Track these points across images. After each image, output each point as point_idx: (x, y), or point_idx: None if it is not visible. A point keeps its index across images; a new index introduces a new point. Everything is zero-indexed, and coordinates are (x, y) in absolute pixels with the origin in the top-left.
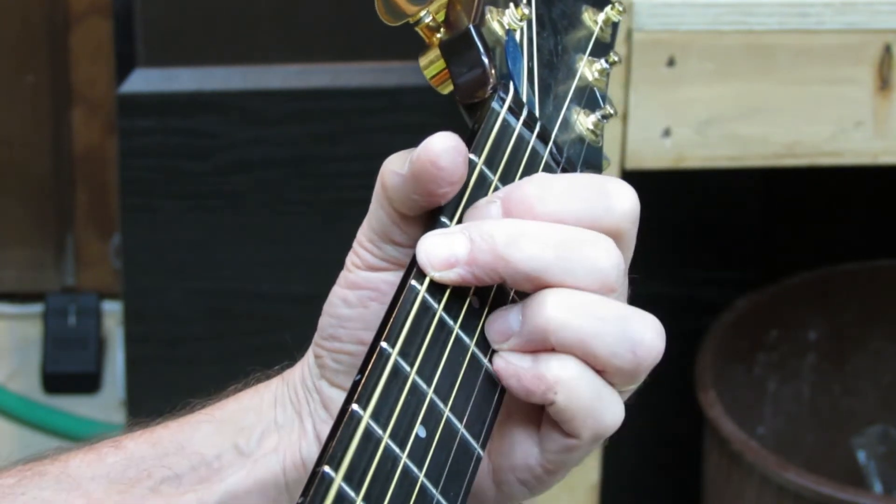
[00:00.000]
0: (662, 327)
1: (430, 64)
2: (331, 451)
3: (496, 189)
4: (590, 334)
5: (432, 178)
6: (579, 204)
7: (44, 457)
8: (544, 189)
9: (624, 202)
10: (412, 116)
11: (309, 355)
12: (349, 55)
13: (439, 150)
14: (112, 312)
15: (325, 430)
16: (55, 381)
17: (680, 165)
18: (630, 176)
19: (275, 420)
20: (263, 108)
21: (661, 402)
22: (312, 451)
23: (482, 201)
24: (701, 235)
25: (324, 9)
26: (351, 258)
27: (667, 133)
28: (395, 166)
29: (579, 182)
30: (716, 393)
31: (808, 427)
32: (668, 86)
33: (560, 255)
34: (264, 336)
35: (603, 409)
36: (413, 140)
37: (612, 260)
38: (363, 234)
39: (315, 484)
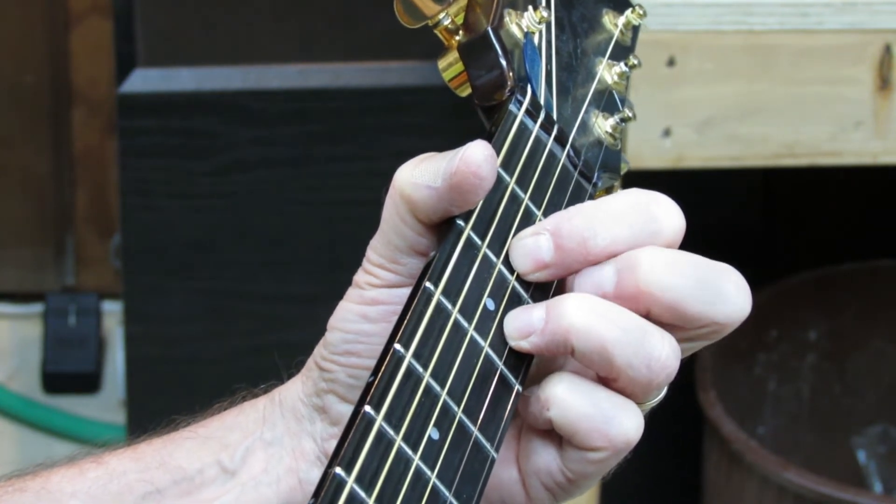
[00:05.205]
0: (679, 348)
1: (449, 66)
2: (343, 453)
3: (513, 192)
4: (611, 342)
5: (473, 188)
6: (628, 231)
7: (25, 472)
8: (592, 220)
9: (671, 223)
10: (412, 116)
11: (311, 372)
12: (349, 55)
13: (480, 159)
14: (112, 312)
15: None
16: (55, 381)
17: (680, 165)
18: (630, 176)
19: (261, 437)
20: (263, 108)
21: (661, 401)
22: (313, 472)
23: (528, 233)
24: (701, 235)
25: (324, 9)
26: (365, 278)
27: (667, 133)
28: (420, 179)
29: (625, 207)
30: (716, 393)
31: (808, 427)
32: (668, 86)
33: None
34: (264, 336)
35: (607, 421)
36: (413, 140)
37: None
38: (380, 255)
39: (327, 485)
